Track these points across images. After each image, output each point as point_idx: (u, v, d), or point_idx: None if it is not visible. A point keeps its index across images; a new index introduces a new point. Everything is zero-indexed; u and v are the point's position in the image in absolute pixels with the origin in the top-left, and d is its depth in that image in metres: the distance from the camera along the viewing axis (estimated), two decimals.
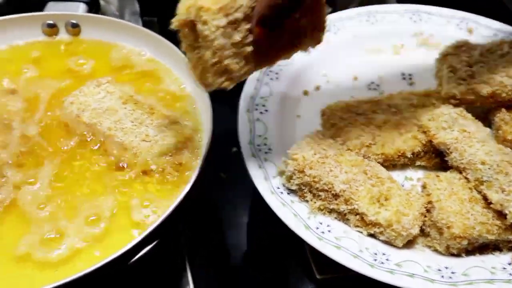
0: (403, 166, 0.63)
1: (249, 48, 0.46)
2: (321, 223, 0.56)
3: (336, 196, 0.56)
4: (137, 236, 0.50)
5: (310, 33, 0.51)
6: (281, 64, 0.70)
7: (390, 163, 0.62)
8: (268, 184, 0.58)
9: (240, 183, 0.71)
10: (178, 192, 0.55)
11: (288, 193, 0.58)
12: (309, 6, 0.48)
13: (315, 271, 0.60)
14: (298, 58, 0.71)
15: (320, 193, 0.57)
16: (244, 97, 0.66)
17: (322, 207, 0.57)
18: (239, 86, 0.68)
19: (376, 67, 0.74)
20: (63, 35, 0.72)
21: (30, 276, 0.49)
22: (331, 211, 0.57)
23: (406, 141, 0.62)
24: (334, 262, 0.53)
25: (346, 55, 0.75)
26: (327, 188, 0.56)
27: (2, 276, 0.49)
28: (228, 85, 0.49)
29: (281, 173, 0.60)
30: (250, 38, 0.46)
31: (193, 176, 0.53)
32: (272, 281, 0.63)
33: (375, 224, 0.55)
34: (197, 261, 0.63)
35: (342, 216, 0.57)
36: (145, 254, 0.51)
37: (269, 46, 0.48)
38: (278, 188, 0.58)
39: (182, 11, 0.44)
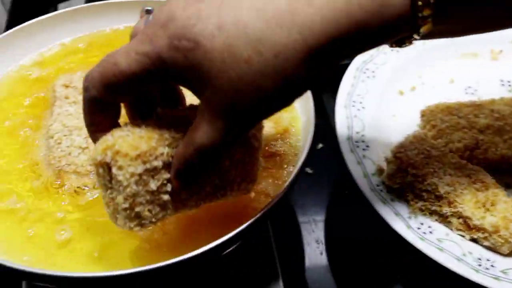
0: (503, 172, 0.62)
1: (166, 197, 0.42)
2: (422, 224, 0.55)
3: (439, 197, 0.55)
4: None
5: (237, 185, 0.46)
6: (377, 63, 0.70)
7: (492, 169, 0.61)
8: (367, 181, 0.58)
9: (322, 180, 0.71)
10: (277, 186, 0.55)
11: (387, 192, 0.57)
12: (239, 159, 0.45)
13: None
14: (394, 58, 0.71)
15: (423, 194, 0.56)
16: (341, 93, 0.66)
17: (423, 208, 0.56)
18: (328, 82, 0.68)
19: (472, 71, 0.72)
20: None
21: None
22: (432, 212, 0.56)
23: (510, 148, 0.60)
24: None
25: (442, 58, 0.73)
26: (430, 189, 0.55)
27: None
28: (140, 230, 0.44)
29: (380, 171, 0.59)
30: (168, 188, 0.42)
31: (296, 168, 0.53)
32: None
33: (479, 229, 0.53)
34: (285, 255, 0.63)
35: (444, 219, 0.55)
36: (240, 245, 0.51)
37: (189, 195, 0.44)
38: (378, 185, 0.58)
39: (99, 152, 0.41)
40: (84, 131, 0.57)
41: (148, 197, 0.42)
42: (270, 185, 0.54)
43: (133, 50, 0.37)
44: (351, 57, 0.37)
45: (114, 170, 0.40)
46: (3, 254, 0.49)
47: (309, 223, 0.68)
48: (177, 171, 0.41)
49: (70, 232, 0.52)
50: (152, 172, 0.41)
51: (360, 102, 0.65)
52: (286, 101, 0.38)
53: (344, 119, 0.63)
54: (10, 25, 0.96)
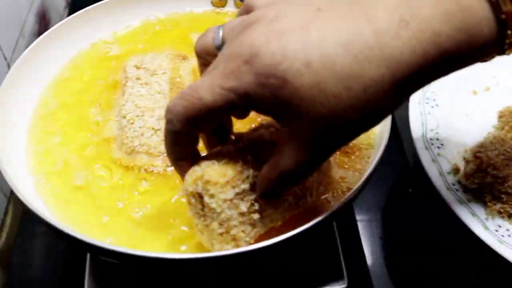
0: None
1: (256, 216, 0.44)
2: (500, 226, 0.53)
3: None
4: None
5: (315, 191, 0.47)
6: None
7: None
8: (443, 179, 0.57)
9: (384, 177, 0.70)
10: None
11: (463, 191, 0.56)
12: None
13: None
14: None
15: (502, 196, 0.54)
16: None
17: (502, 210, 0.54)
18: None
19: None
20: (229, 8, 0.72)
21: None
22: (511, 215, 0.54)
23: None
24: None
25: None
26: (510, 191, 0.54)
27: None
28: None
29: (456, 170, 0.58)
30: (256, 207, 0.44)
31: (373, 161, 0.52)
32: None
33: None
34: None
35: None
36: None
37: (275, 210, 0.45)
38: (453, 185, 0.56)
39: (189, 183, 0.43)
40: (156, 113, 0.58)
41: (240, 219, 0.43)
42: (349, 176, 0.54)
43: (218, 85, 0.37)
44: (433, 81, 0.38)
45: (206, 199, 0.42)
46: (76, 228, 0.50)
47: (369, 221, 0.67)
48: (263, 192, 0.42)
49: (140, 211, 0.52)
50: (241, 195, 0.43)
51: (434, 100, 0.64)
52: (370, 127, 0.38)
53: (418, 116, 0.62)
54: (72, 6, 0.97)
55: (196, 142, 0.44)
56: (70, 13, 1.21)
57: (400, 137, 0.72)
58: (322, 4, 0.37)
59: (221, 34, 0.40)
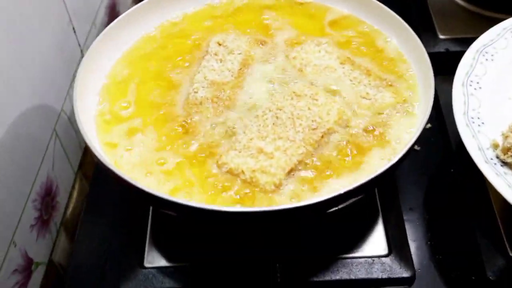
0: None
1: None
2: None
3: None
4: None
5: None
6: (497, 47, 0.71)
7: None
8: (481, 154, 0.60)
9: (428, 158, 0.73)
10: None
11: (501, 165, 0.59)
12: None
13: (508, 248, 0.61)
14: None
15: None
16: (459, 72, 0.68)
17: None
18: (451, 64, 0.70)
19: None
20: None
21: None
22: None
23: None
24: None
25: None
26: None
27: None
28: None
29: (495, 146, 0.61)
30: None
31: (415, 135, 0.55)
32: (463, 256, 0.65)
33: None
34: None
35: None
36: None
37: None
38: (492, 159, 0.59)
39: None
40: (220, 87, 0.63)
41: None
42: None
43: None
44: None
45: None
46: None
47: (411, 198, 0.70)
48: None
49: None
50: None
51: (477, 82, 0.67)
52: None
53: (461, 96, 0.65)
54: None
55: None
56: None
57: (445, 122, 0.75)
58: None
59: None
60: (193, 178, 0.57)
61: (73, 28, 0.91)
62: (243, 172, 0.56)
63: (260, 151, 0.57)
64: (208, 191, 0.56)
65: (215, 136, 0.60)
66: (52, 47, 0.83)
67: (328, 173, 0.57)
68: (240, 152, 0.57)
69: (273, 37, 0.72)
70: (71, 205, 0.89)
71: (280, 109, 0.61)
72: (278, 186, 0.55)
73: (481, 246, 0.63)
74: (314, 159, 0.58)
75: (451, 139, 0.74)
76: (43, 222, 0.79)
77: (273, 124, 0.59)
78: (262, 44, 0.70)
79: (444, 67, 0.70)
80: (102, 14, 1.06)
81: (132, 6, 1.26)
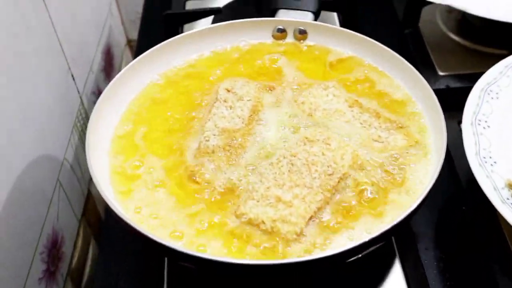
0: None
1: None
2: None
3: None
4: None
5: None
6: (501, 85, 0.73)
7: None
8: (497, 194, 0.60)
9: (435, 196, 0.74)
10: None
11: None
12: None
13: None
14: None
15: None
16: (467, 112, 0.69)
17: None
18: (451, 101, 0.71)
19: None
20: (289, 40, 0.78)
21: None
22: None
23: None
24: None
25: None
26: None
27: None
28: None
29: (510, 185, 0.61)
30: None
31: (433, 178, 0.56)
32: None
33: None
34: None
35: None
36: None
37: None
38: (508, 199, 0.60)
39: None
40: (231, 135, 0.63)
41: None
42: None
43: None
44: None
45: None
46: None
47: (424, 237, 0.70)
48: None
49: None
50: None
51: (486, 121, 0.68)
52: None
53: (471, 136, 0.66)
54: (140, 43, 1.04)
55: None
56: (130, 49, 1.30)
57: (452, 159, 0.76)
58: None
59: None
60: (210, 229, 0.56)
61: (72, 76, 0.92)
62: (263, 222, 0.55)
63: (279, 199, 0.57)
64: (226, 242, 0.55)
65: (230, 185, 0.60)
66: (53, 97, 0.83)
67: (347, 219, 0.57)
68: (258, 201, 0.57)
69: (281, 81, 0.72)
70: (76, 254, 0.88)
71: (294, 156, 0.61)
72: (299, 234, 0.55)
73: (500, 285, 0.63)
74: (333, 205, 0.58)
75: (460, 176, 0.74)
76: (50, 274, 0.78)
77: (289, 171, 0.59)
78: (270, 90, 0.70)
79: (446, 103, 0.71)
80: (98, 59, 1.07)
81: (126, 49, 1.28)
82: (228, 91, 0.69)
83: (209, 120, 0.66)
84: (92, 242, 0.94)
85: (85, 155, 0.58)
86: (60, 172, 0.83)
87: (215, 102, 0.68)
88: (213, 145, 0.63)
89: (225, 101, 0.68)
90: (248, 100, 0.68)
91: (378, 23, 1.02)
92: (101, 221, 0.99)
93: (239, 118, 0.66)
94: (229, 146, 0.63)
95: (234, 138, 0.64)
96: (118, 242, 0.74)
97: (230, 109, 0.67)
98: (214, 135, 0.64)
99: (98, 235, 0.96)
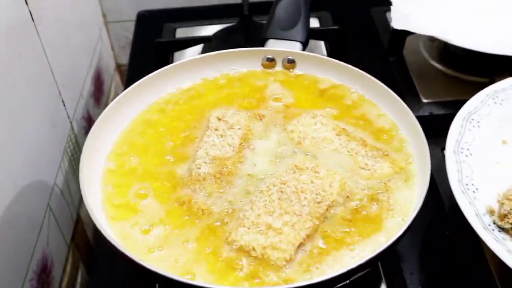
0: None
1: None
2: None
3: None
4: None
5: None
6: (482, 114, 0.75)
7: None
8: (479, 220, 0.62)
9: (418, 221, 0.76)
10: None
11: (499, 231, 0.62)
12: None
13: None
14: (497, 110, 0.76)
15: None
16: (449, 140, 0.71)
17: None
18: (435, 127, 0.73)
19: None
20: (278, 68, 0.80)
21: None
22: None
23: None
24: None
25: None
26: None
27: None
28: None
29: (491, 212, 0.63)
30: None
31: (418, 205, 0.58)
32: None
33: None
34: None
35: None
36: None
37: None
38: (490, 225, 0.62)
39: None
40: (222, 162, 0.65)
41: None
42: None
43: None
44: None
45: None
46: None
47: (409, 262, 0.72)
48: None
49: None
50: None
51: (468, 149, 0.70)
52: None
53: (454, 164, 0.68)
54: (131, 68, 1.06)
55: None
56: (120, 74, 1.32)
57: (436, 184, 0.78)
58: None
59: None
60: (201, 256, 0.57)
61: (63, 101, 0.93)
62: (254, 249, 0.57)
63: (269, 227, 0.58)
64: (217, 269, 0.56)
65: (221, 213, 0.61)
66: (44, 122, 0.84)
67: (335, 245, 0.58)
68: (249, 228, 0.58)
69: (270, 110, 0.74)
70: (65, 279, 0.88)
71: (284, 184, 0.62)
72: (289, 261, 0.56)
73: None
74: (322, 232, 0.59)
75: (444, 201, 0.76)
76: None
77: (279, 199, 0.61)
78: (260, 118, 0.72)
79: (430, 130, 0.73)
80: (88, 84, 1.08)
81: (115, 74, 1.29)
82: (219, 119, 0.71)
83: (200, 148, 0.67)
84: (81, 266, 0.95)
85: (75, 180, 0.60)
86: (50, 197, 0.84)
87: (206, 131, 0.69)
88: (204, 172, 0.65)
89: (216, 129, 0.69)
90: (238, 129, 0.70)
91: (364, 51, 1.05)
92: (90, 246, 0.99)
93: (230, 146, 0.68)
94: (220, 173, 0.65)
95: (225, 166, 0.65)
96: (107, 266, 0.75)
97: (221, 137, 0.68)
98: (205, 163, 0.65)
99: (87, 259, 0.96)
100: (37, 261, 0.77)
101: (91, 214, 0.57)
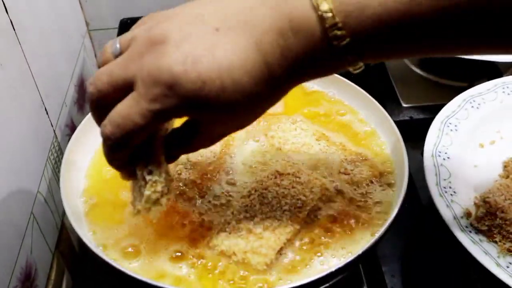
0: None
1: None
2: (510, 263, 0.60)
3: None
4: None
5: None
6: (459, 118, 0.76)
7: None
8: (457, 222, 0.63)
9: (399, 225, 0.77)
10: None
11: (476, 233, 0.63)
12: None
13: None
14: (474, 114, 0.78)
15: (511, 235, 0.61)
16: (427, 144, 0.72)
17: (511, 249, 0.61)
18: (415, 131, 0.74)
19: None
20: None
21: None
22: None
23: None
24: None
25: None
26: None
27: None
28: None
29: (468, 214, 0.65)
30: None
31: (396, 208, 0.59)
32: None
33: None
34: None
35: None
36: None
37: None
38: (467, 227, 0.63)
39: None
40: (203, 168, 0.66)
41: None
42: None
43: (147, 109, 0.44)
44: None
45: None
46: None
47: (390, 264, 0.73)
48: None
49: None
50: None
51: (445, 153, 0.72)
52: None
53: (432, 167, 0.69)
54: None
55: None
56: None
57: (415, 186, 0.79)
58: (217, 23, 0.44)
59: (118, 46, 0.48)
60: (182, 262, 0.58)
61: (46, 109, 0.93)
62: (234, 253, 0.57)
63: (250, 231, 0.59)
64: (199, 274, 0.57)
65: (202, 218, 0.62)
66: (27, 130, 0.84)
67: (316, 249, 0.59)
68: (230, 233, 0.59)
69: None
70: (50, 286, 0.88)
71: (266, 189, 0.63)
72: (269, 265, 0.57)
73: None
74: (302, 236, 0.60)
75: (423, 203, 0.77)
76: None
77: (260, 204, 0.61)
78: None
79: (410, 134, 0.74)
80: (71, 92, 1.08)
81: None
82: None
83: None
84: (66, 273, 0.94)
85: (58, 188, 0.60)
86: (33, 205, 0.84)
87: None
88: (185, 178, 0.65)
89: None
90: None
91: None
92: (74, 253, 0.99)
93: (211, 152, 0.68)
94: (201, 179, 0.65)
95: (206, 172, 0.66)
96: (92, 274, 0.75)
97: None
98: (186, 168, 0.66)
99: (71, 267, 0.96)
100: (20, 269, 0.77)
101: (72, 223, 0.57)
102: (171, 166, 0.67)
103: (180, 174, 0.66)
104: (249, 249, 0.57)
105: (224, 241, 0.58)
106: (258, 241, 0.58)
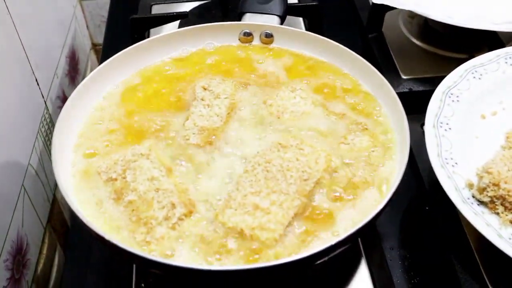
0: None
1: None
2: None
3: None
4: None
5: None
6: (461, 89, 0.75)
7: None
8: (458, 194, 0.62)
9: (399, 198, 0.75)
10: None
11: (478, 204, 0.62)
12: None
13: (487, 281, 0.63)
14: (476, 84, 0.76)
15: None
16: (429, 114, 0.70)
17: None
18: (415, 104, 0.72)
19: None
20: (256, 43, 0.79)
21: None
22: None
23: None
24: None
25: None
26: None
27: None
28: None
29: (470, 186, 0.63)
30: None
31: (397, 179, 0.57)
32: None
33: None
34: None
35: None
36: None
37: None
38: (468, 198, 0.62)
39: None
40: (211, 133, 0.65)
41: None
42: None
43: None
44: None
45: None
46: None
47: (389, 237, 0.72)
48: None
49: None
50: None
51: (447, 124, 0.70)
52: None
53: (434, 138, 0.67)
54: (106, 47, 1.04)
55: None
56: (96, 53, 1.29)
57: (416, 161, 0.78)
58: None
59: None
60: (189, 236, 0.56)
61: (36, 80, 0.90)
62: (242, 230, 0.55)
63: (256, 207, 0.57)
64: (206, 250, 0.55)
65: (208, 188, 0.60)
66: (17, 102, 0.82)
67: (325, 221, 0.57)
68: (236, 210, 0.57)
69: (254, 77, 0.74)
70: (42, 261, 0.87)
71: (269, 162, 0.61)
72: (278, 240, 0.55)
73: (462, 281, 0.64)
74: (310, 209, 0.58)
75: (423, 177, 0.76)
76: (15, 281, 0.77)
77: (265, 178, 0.59)
78: (245, 87, 0.72)
79: (410, 106, 0.72)
80: (63, 63, 1.05)
81: (91, 54, 1.27)
82: (205, 89, 0.70)
83: (187, 119, 0.67)
84: (58, 248, 0.93)
85: (50, 161, 0.58)
86: (24, 177, 0.82)
87: (193, 101, 0.69)
88: (193, 143, 0.64)
89: (202, 99, 0.68)
90: (225, 98, 0.69)
91: (343, 28, 1.04)
92: (67, 228, 0.97)
93: (218, 116, 0.67)
94: (209, 144, 0.64)
95: (214, 136, 0.65)
96: (84, 248, 0.73)
97: (208, 107, 0.68)
98: (194, 133, 0.64)
99: (64, 241, 0.95)
100: (11, 242, 0.76)
101: (64, 195, 0.55)
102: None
103: (188, 139, 0.64)
104: (257, 225, 0.55)
105: (230, 218, 0.56)
106: (266, 216, 0.56)
